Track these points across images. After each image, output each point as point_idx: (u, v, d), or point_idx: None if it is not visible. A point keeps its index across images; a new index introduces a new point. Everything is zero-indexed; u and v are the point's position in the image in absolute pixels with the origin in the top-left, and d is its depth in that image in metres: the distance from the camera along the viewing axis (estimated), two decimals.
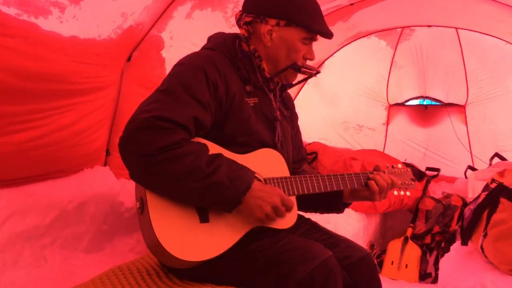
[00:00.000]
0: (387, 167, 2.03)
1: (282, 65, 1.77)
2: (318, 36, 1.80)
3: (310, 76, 1.87)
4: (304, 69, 1.78)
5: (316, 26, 1.74)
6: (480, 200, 2.48)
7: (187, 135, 1.49)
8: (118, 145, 1.47)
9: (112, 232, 2.68)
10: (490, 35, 4.90)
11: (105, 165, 2.88)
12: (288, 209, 1.63)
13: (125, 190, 2.76)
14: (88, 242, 2.52)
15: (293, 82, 1.92)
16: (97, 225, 2.59)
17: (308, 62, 1.85)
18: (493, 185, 2.46)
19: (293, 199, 1.75)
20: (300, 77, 1.89)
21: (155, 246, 1.49)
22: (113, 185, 2.73)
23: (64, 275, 2.21)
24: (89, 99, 2.45)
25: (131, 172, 1.48)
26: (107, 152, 2.87)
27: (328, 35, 1.78)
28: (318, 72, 1.86)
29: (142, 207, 1.52)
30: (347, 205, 2.01)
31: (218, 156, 1.54)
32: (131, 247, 2.70)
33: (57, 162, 2.44)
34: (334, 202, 1.97)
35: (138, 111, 1.49)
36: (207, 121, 1.57)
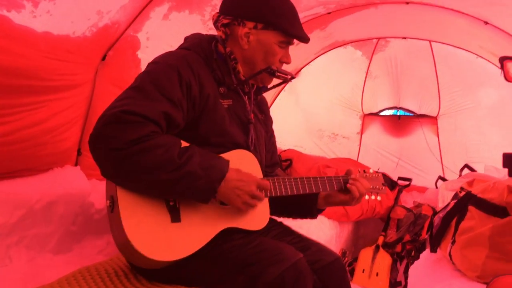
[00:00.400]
0: (359, 171, 2.05)
1: (258, 68, 1.78)
2: (295, 40, 1.80)
3: (285, 80, 1.88)
4: (279, 74, 1.79)
5: (293, 30, 1.75)
6: (449, 208, 2.52)
7: (157, 129, 1.48)
8: (88, 142, 1.45)
9: (81, 233, 2.62)
10: (462, 49, 5.03)
11: (76, 165, 2.82)
12: (265, 192, 1.64)
13: (96, 191, 2.71)
14: (55, 243, 2.45)
15: (268, 86, 1.92)
16: (65, 225, 2.52)
17: (285, 67, 1.86)
18: (462, 194, 2.50)
19: (266, 201, 1.75)
20: (275, 81, 1.89)
21: (124, 245, 1.46)
22: (84, 185, 2.67)
23: (30, 275, 2.14)
24: (61, 96, 2.40)
25: (102, 168, 1.46)
26: (79, 152, 2.82)
27: (305, 39, 1.79)
28: (293, 77, 1.87)
29: (113, 205, 1.49)
30: (320, 211, 2.02)
31: (190, 147, 1.53)
32: (100, 249, 2.64)
33: (26, 159, 2.38)
34: (308, 207, 1.98)
35: (108, 108, 1.47)
36: (179, 118, 1.55)
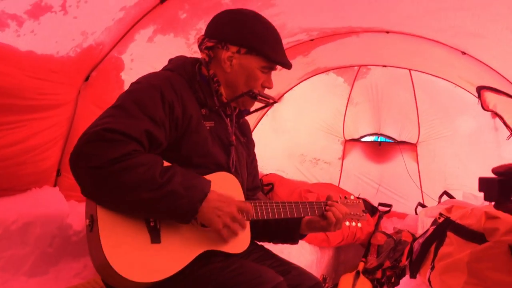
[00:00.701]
0: (340, 197, 2.07)
1: (240, 91, 1.79)
2: (278, 66, 1.83)
3: (267, 104, 1.90)
4: (260, 97, 1.81)
5: (276, 56, 1.78)
6: (428, 234, 2.54)
7: (139, 147, 1.47)
8: (69, 160, 1.43)
9: (58, 255, 2.56)
10: (441, 78, 5.15)
11: (55, 185, 2.78)
12: (246, 216, 1.63)
13: (74, 212, 2.66)
14: (31, 265, 2.39)
15: (251, 109, 1.94)
16: (42, 247, 2.47)
17: (267, 91, 1.88)
18: (441, 220, 2.53)
19: (247, 224, 1.74)
20: (258, 104, 1.91)
21: (102, 266, 1.44)
22: (62, 206, 2.62)
23: None
24: (42, 116, 2.38)
25: (82, 187, 1.44)
26: (58, 173, 2.77)
27: (287, 65, 1.82)
28: (275, 102, 1.89)
29: (92, 224, 1.46)
30: (302, 236, 2.02)
31: (172, 166, 1.52)
32: (77, 272, 2.58)
33: (4, 179, 2.34)
34: (290, 232, 1.98)
35: (89, 127, 1.46)
36: (161, 137, 1.55)
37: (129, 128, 1.45)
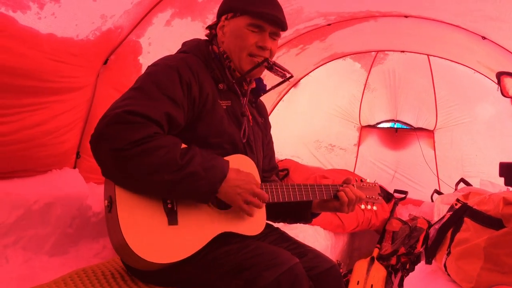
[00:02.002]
0: (356, 180, 2.07)
1: (237, 57, 1.79)
2: (269, 26, 1.77)
3: (284, 79, 1.88)
4: (276, 68, 1.80)
5: (256, 9, 1.75)
6: (444, 219, 2.53)
7: (159, 130, 1.49)
8: (89, 142, 1.45)
9: (78, 236, 2.62)
10: (460, 63, 5.07)
11: (74, 167, 2.83)
12: (261, 198, 1.65)
13: (93, 194, 2.71)
14: (52, 245, 2.45)
15: (267, 88, 1.97)
16: (62, 227, 2.52)
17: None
18: (458, 206, 2.52)
19: (262, 206, 1.76)
20: (274, 82, 1.91)
21: (121, 246, 1.46)
22: (82, 188, 2.67)
23: (26, 277, 2.14)
24: (62, 98, 2.41)
25: (103, 168, 1.46)
26: (78, 155, 2.82)
27: (270, 17, 1.75)
28: (291, 76, 1.87)
29: (111, 205, 1.49)
30: (315, 215, 2.03)
31: (191, 148, 1.54)
32: (96, 252, 2.64)
33: (25, 160, 2.39)
34: (303, 212, 1.99)
35: (110, 108, 1.48)
36: (180, 118, 1.57)
37: (150, 111, 1.47)
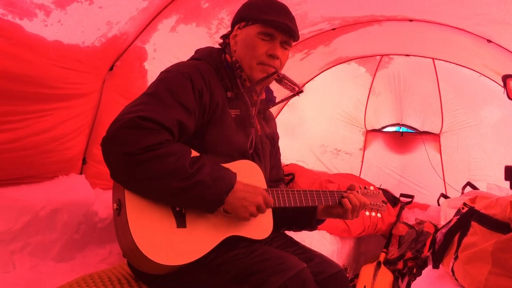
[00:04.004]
0: (360, 187, 2.07)
1: (247, 66, 1.79)
2: (279, 34, 1.76)
3: (293, 94, 1.89)
4: (286, 81, 1.81)
5: (267, 17, 1.75)
6: (451, 224, 2.51)
7: (170, 137, 1.51)
8: (100, 144, 1.46)
9: (84, 241, 2.63)
10: (465, 67, 5.06)
11: (81, 173, 2.84)
12: (268, 206, 1.66)
13: (100, 200, 2.72)
14: (58, 251, 2.46)
15: (276, 101, 1.99)
16: (69, 233, 2.53)
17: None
18: (465, 210, 2.50)
19: (269, 211, 1.76)
20: (283, 95, 1.91)
21: (130, 248, 1.47)
22: (88, 194, 2.68)
23: (32, 282, 2.15)
24: (68, 105, 2.43)
25: (113, 171, 1.47)
26: (84, 161, 2.83)
27: (281, 25, 1.75)
28: (301, 91, 1.88)
29: (120, 208, 1.50)
30: (320, 222, 2.03)
31: (201, 157, 1.55)
32: (103, 258, 2.65)
33: (32, 167, 2.40)
34: (308, 218, 1.99)
35: (123, 112, 1.50)
36: (191, 126, 1.59)
37: (163, 118, 1.48)
